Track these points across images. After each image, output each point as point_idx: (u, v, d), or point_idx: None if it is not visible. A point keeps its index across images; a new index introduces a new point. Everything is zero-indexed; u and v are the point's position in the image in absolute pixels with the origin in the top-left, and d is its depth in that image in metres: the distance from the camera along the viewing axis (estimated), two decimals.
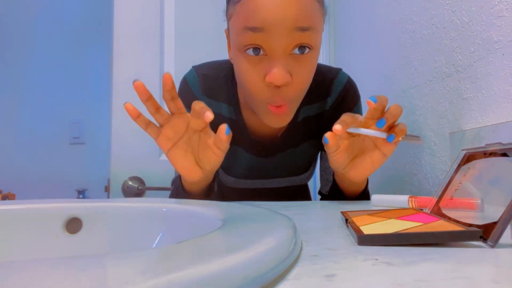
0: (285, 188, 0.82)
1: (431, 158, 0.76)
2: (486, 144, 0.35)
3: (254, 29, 0.54)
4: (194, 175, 0.56)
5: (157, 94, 1.27)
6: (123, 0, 1.26)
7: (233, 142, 0.73)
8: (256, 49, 0.56)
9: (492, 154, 0.34)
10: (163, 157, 1.26)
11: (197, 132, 0.54)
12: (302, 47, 0.56)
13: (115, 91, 1.25)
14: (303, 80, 0.58)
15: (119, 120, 1.24)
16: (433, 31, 0.76)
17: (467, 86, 0.65)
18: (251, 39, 0.55)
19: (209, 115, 0.49)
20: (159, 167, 1.25)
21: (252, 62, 0.57)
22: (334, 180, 0.69)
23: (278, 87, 0.56)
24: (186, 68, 0.76)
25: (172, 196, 0.70)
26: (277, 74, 0.55)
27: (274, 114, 0.59)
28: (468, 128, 0.64)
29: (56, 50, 2.24)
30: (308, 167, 0.81)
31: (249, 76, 0.58)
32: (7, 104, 2.25)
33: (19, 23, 2.27)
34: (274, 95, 0.57)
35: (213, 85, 0.72)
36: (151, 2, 1.28)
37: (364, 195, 0.68)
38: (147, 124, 0.53)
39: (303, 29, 0.54)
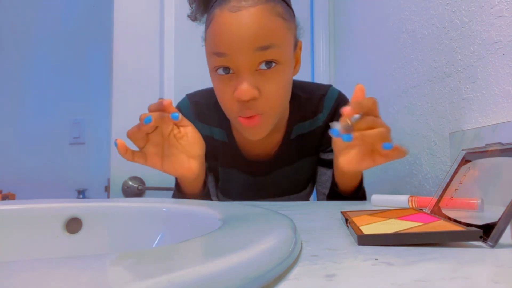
0: None
1: (431, 158, 0.76)
2: (486, 144, 0.35)
3: (218, 54, 0.58)
4: (194, 169, 0.60)
5: (156, 95, 1.27)
6: (123, 0, 1.26)
7: (228, 164, 0.76)
8: (226, 68, 0.60)
9: (492, 154, 0.34)
10: None
11: (171, 132, 0.58)
12: (268, 62, 0.58)
13: (115, 91, 1.25)
14: (272, 93, 0.60)
15: (119, 120, 1.24)
16: (433, 31, 0.76)
17: (467, 86, 0.65)
18: (218, 62, 0.59)
19: (166, 103, 0.55)
20: None
21: (223, 81, 0.61)
22: (333, 182, 0.70)
23: (247, 101, 0.59)
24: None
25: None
26: (243, 90, 0.58)
27: (246, 126, 0.62)
28: (468, 128, 0.64)
29: (56, 50, 2.24)
30: (306, 185, 0.81)
31: (221, 93, 0.62)
32: (7, 104, 2.25)
33: (19, 23, 2.27)
34: (243, 108, 0.60)
35: (204, 110, 0.75)
36: (151, 2, 1.28)
37: (359, 193, 0.68)
38: (133, 155, 0.56)
39: (264, 48, 0.57)
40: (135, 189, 1.24)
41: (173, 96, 1.27)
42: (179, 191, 0.65)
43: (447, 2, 0.71)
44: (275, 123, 0.65)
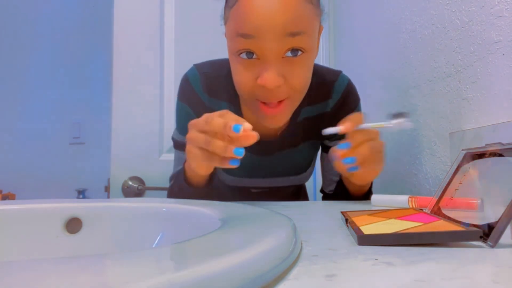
0: (284, 189, 0.82)
1: (431, 158, 0.76)
2: (486, 144, 0.35)
3: (245, 36, 0.55)
4: (209, 169, 0.55)
5: (157, 94, 1.27)
6: (123, 0, 1.26)
7: None
8: (249, 53, 0.57)
9: (492, 154, 0.34)
10: (163, 157, 1.26)
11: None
12: (294, 50, 0.57)
13: (115, 91, 1.24)
14: (298, 81, 0.59)
15: (119, 120, 1.24)
16: (433, 31, 0.76)
17: (467, 86, 0.65)
18: (244, 45, 0.56)
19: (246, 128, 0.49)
20: (159, 167, 1.25)
21: (246, 65, 0.58)
22: (340, 180, 0.70)
23: (271, 89, 0.57)
24: (186, 68, 0.76)
25: (173, 191, 0.70)
26: (269, 78, 0.55)
27: (267, 114, 0.60)
28: (468, 128, 0.64)
29: (56, 50, 2.24)
30: (307, 167, 0.81)
31: (241, 77, 0.59)
32: (7, 104, 2.25)
33: (20, 23, 2.27)
34: (266, 95, 0.58)
35: (214, 83, 0.72)
36: (151, 2, 1.28)
37: (368, 195, 0.69)
38: None
39: (294, 34, 0.55)
40: (135, 189, 1.24)
41: (173, 96, 1.27)
42: (187, 182, 0.64)
43: (447, 2, 0.71)
44: (294, 110, 0.63)
